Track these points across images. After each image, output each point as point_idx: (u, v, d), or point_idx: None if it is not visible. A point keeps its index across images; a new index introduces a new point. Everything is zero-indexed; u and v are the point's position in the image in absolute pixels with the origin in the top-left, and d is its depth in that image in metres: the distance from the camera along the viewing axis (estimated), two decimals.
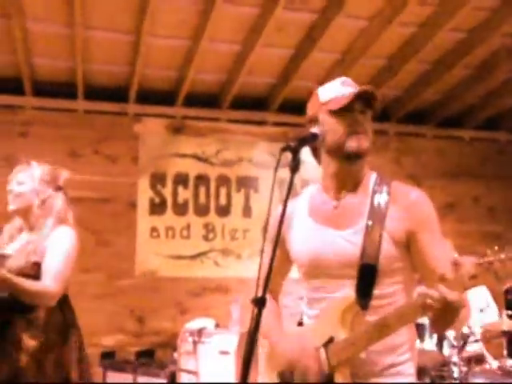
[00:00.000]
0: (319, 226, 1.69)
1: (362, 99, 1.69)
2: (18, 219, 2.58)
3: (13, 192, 2.54)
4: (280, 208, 1.65)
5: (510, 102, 5.62)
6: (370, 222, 1.61)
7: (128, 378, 4.17)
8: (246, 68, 4.76)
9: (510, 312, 3.80)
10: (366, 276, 1.59)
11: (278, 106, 5.43)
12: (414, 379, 1.66)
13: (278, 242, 1.54)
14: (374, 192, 1.68)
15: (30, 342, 2.34)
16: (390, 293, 1.61)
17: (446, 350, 3.65)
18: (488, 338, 3.86)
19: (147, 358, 4.64)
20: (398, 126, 5.90)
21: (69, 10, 4.04)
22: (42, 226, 2.45)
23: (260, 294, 1.44)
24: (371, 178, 1.74)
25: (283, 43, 4.62)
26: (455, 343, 3.56)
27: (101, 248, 5.13)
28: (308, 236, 1.70)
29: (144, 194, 5.30)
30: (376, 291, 1.60)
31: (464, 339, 3.59)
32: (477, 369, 3.59)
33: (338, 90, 1.72)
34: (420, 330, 3.63)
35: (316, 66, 4.92)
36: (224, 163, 5.51)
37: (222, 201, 5.47)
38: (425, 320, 3.66)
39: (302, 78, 5.03)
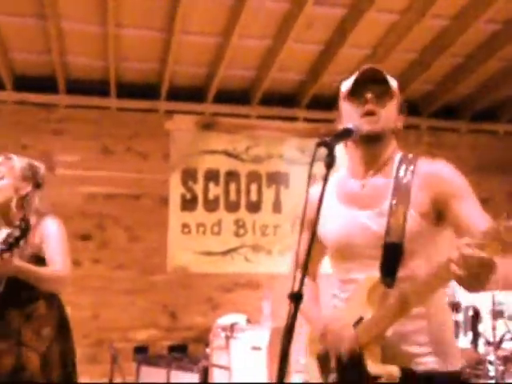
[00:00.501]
0: (346, 207, 1.71)
1: (373, 81, 1.69)
2: None
3: None
4: (311, 192, 1.69)
5: None
6: (394, 201, 1.61)
7: (161, 372, 4.22)
8: (276, 64, 4.75)
9: None
10: (391, 254, 1.60)
11: (309, 101, 5.41)
12: (453, 349, 1.64)
13: (315, 228, 1.54)
14: (398, 171, 1.67)
15: (31, 335, 2.36)
16: (415, 268, 1.59)
17: (482, 348, 3.59)
18: None
19: (180, 353, 4.69)
20: (430, 121, 5.82)
21: (101, 8, 4.10)
22: (21, 222, 2.34)
23: (296, 287, 1.42)
24: (396, 157, 1.73)
25: (313, 39, 4.60)
26: (491, 340, 3.50)
27: (133, 244, 5.20)
28: (335, 218, 1.72)
29: (175, 191, 5.35)
30: (403, 271, 1.59)
31: (500, 337, 3.53)
32: None
33: (354, 77, 1.72)
34: (454, 327, 3.58)
35: (346, 62, 4.88)
36: (254, 159, 5.51)
37: (253, 197, 5.49)
38: (458, 317, 3.62)
39: (333, 73, 4.99)
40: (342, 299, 1.75)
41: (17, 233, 2.22)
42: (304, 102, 5.41)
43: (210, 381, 4.17)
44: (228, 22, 4.31)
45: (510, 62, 4.96)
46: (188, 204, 5.36)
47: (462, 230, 1.53)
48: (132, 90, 5.23)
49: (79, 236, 5.08)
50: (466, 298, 3.78)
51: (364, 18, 4.18)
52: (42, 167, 2.66)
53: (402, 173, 1.66)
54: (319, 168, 1.56)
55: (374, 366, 1.55)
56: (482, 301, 3.83)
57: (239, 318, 4.49)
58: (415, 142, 5.82)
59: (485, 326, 3.62)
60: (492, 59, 4.81)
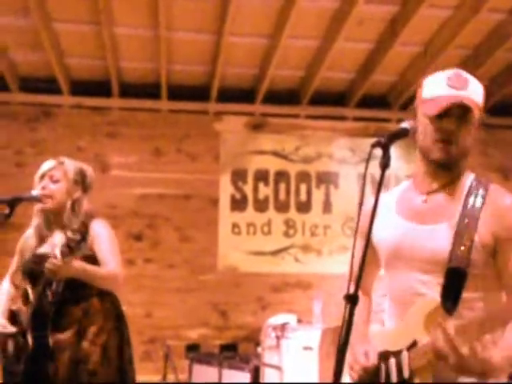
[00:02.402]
0: (404, 219, 1.65)
1: (461, 105, 1.57)
2: (37, 219, 2.60)
3: (46, 189, 2.53)
4: (369, 203, 1.61)
5: None
6: (462, 222, 1.55)
7: (213, 370, 4.26)
8: (325, 63, 4.73)
9: None
10: (454, 280, 1.53)
11: (358, 100, 5.36)
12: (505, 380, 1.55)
13: (369, 238, 1.51)
14: (469, 193, 1.60)
15: (90, 330, 2.46)
16: (475, 298, 1.56)
17: None
18: None
19: (231, 352, 4.72)
20: (485, 118, 5.64)
21: (152, 13, 4.18)
22: (74, 225, 2.49)
23: (352, 290, 1.42)
24: (468, 178, 1.66)
25: (364, 37, 4.55)
26: None
27: (184, 244, 5.28)
28: (391, 228, 1.66)
29: (225, 191, 5.40)
30: (464, 296, 1.53)
31: None
32: None
33: (440, 89, 1.59)
34: None
35: (397, 60, 4.82)
36: (304, 159, 5.50)
37: (302, 197, 5.48)
38: None
39: (383, 72, 4.93)
40: (391, 314, 1.70)
41: (78, 237, 2.35)
42: (354, 100, 5.36)
43: (261, 380, 4.19)
44: (277, 23, 4.32)
45: None
46: (238, 204, 5.40)
47: (503, 277, 1.55)
48: (182, 92, 5.31)
49: (132, 236, 5.20)
50: None
51: (416, 15, 4.11)
52: (90, 170, 2.75)
53: (472, 197, 1.59)
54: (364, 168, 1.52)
55: None
56: None
57: (290, 318, 4.49)
58: None
59: None
60: None
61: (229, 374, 4.25)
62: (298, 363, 4.02)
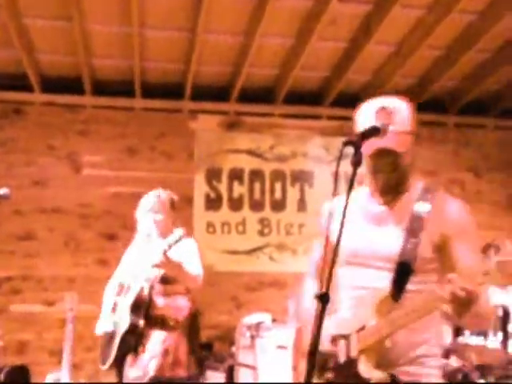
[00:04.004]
0: (362, 222, 1.81)
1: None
2: (141, 241, 3.31)
3: (155, 221, 3.24)
4: (327, 205, 1.91)
5: None
6: (411, 224, 1.77)
7: None
8: (300, 62, 4.73)
9: None
10: (402, 273, 1.75)
11: (333, 99, 5.38)
12: (438, 372, 1.80)
13: (339, 240, 1.61)
14: (419, 199, 1.81)
15: (171, 320, 3.07)
16: (423, 290, 1.72)
17: (511, 348, 3.53)
18: None
19: (205, 351, 4.70)
20: (457, 118, 5.74)
21: (125, 9, 4.13)
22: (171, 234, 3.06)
23: (324, 289, 1.50)
24: (418, 186, 1.86)
25: (337, 36, 4.57)
26: None
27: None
28: (352, 229, 1.79)
29: (200, 190, 5.37)
30: (410, 287, 1.74)
31: None
32: None
33: (371, 124, 1.75)
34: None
35: (371, 59, 4.85)
36: (278, 158, 5.51)
37: (277, 196, 5.48)
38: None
39: (357, 71, 4.96)
40: (347, 306, 1.87)
41: (176, 237, 2.91)
42: (328, 99, 5.38)
43: (235, 380, 4.18)
44: (251, 21, 4.31)
45: None
46: (212, 203, 5.38)
47: (453, 267, 1.71)
48: (157, 91, 5.26)
49: (105, 236, 5.14)
50: (495, 297, 3.71)
51: (389, 15, 4.14)
52: (175, 197, 3.45)
53: (421, 202, 1.80)
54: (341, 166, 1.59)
55: (366, 371, 1.69)
56: None
57: (265, 317, 4.49)
58: (442, 140, 5.76)
59: None
60: None
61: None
62: (272, 362, 4.02)
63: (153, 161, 5.32)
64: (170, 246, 2.88)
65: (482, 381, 3.38)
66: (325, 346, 1.79)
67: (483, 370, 3.54)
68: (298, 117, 5.52)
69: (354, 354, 1.73)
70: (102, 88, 5.18)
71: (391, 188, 1.83)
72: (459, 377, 3.44)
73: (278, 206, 5.45)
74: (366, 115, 1.83)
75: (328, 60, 4.95)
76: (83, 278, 4.96)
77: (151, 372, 2.96)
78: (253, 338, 4.13)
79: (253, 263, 5.35)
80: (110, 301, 3.22)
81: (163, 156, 5.34)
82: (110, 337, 3.08)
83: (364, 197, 1.87)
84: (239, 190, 5.43)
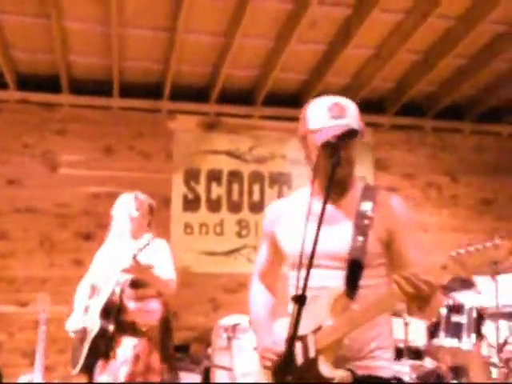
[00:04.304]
0: (309, 223, 1.79)
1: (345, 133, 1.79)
2: (113, 240, 3.33)
3: (131, 217, 3.26)
4: (272, 208, 2.03)
5: None
6: (358, 222, 1.81)
7: None
8: (279, 64, 4.74)
9: None
10: (354, 270, 1.78)
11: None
12: (390, 363, 1.87)
13: (317, 240, 1.64)
14: (362, 198, 1.86)
15: (143, 325, 3.04)
16: (375, 285, 1.79)
17: (485, 350, 3.57)
18: None
19: (182, 353, 4.67)
20: (434, 122, 5.81)
21: (105, 8, 4.09)
22: (141, 237, 3.08)
23: (300, 290, 1.52)
24: (359, 186, 1.92)
25: (317, 39, 4.58)
26: (494, 344, 3.48)
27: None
28: (298, 230, 1.80)
29: (178, 191, 5.34)
30: (362, 283, 1.78)
31: (504, 339, 3.51)
32: None
33: (323, 121, 1.81)
34: (457, 329, 3.57)
35: (350, 62, 4.87)
36: (257, 160, 5.50)
37: (256, 197, 5.48)
38: (462, 319, 3.60)
39: (336, 74, 4.99)
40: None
41: (145, 241, 2.92)
42: (307, 102, 5.37)
43: (211, 381, 4.16)
44: (231, 22, 4.30)
45: None
46: (190, 204, 5.36)
47: (401, 259, 1.81)
48: (135, 90, 5.22)
49: (82, 236, 5.08)
50: (469, 299, 3.76)
51: (368, 19, 4.17)
52: (153, 202, 3.45)
53: (365, 201, 1.86)
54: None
55: (328, 371, 1.71)
56: (486, 303, 3.81)
57: (241, 319, 4.47)
58: (419, 143, 5.82)
59: (488, 328, 3.60)
60: (496, 60, 4.79)
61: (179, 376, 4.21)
62: (248, 364, 4.01)
63: (130, 161, 5.27)
64: (139, 250, 2.88)
65: (455, 382, 3.41)
66: (274, 348, 1.83)
67: (457, 371, 3.58)
68: (278, 119, 5.53)
69: (312, 354, 1.73)
70: (80, 87, 5.13)
71: (338, 184, 1.83)
72: (433, 378, 3.48)
73: (257, 207, 5.45)
74: (317, 111, 1.86)
75: (307, 62, 4.96)
76: (58, 278, 4.89)
77: (122, 378, 2.92)
78: (229, 339, 4.12)
79: (230, 265, 5.33)
80: (82, 302, 3.20)
81: (141, 156, 5.30)
82: (81, 340, 3.06)
83: (308, 197, 1.87)
84: (217, 191, 5.41)
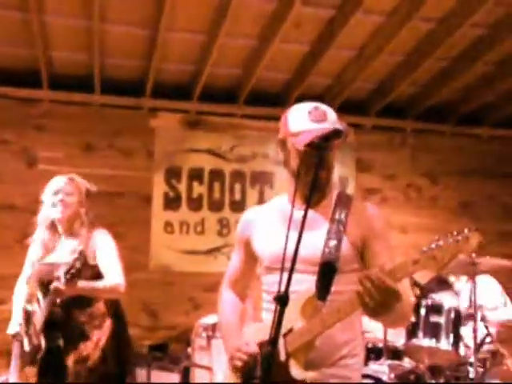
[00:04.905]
0: (284, 229, 1.78)
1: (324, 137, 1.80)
2: (43, 231, 2.98)
3: (63, 202, 2.91)
4: (246, 216, 2.06)
5: None
6: (332, 228, 1.83)
7: (142, 372, 4.17)
8: (262, 63, 4.73)
9: None
10: (326, 273, 1.79)
11: (294, 101, 5.37)
12: (358, 372, 1.88)
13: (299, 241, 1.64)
14: (337, 205, 1.89)
15: (93, 331, 2.82)
16: (347, 291, 1.75)
17: (462, 350, 3.61)
18: (504, 337, 3.82)
19: (161, 353, 4.64)
20: (415, 123, 5.85)
21: (86, 2, 4.04)
22: (80, 232, 2.90)
23: (283, 291, 1.52)
24: (334, 193, 1.94)
25: (300, 39, 4.58)
26: (471, 344, 3.52)
27: (115, 242, 5.12)
28: (273, 235, 1.85)
29: (159, 189, 5.31)
30: (334, 287, 1.79)
31: (480, 339, 3.55)
32: (493, 369, 3.55)
33: (305, 124, 1.82)
34: (436, 329, 3.60)
35: (333, 63, 4.89)
36: (239, 159, 5.49)
37: (237, 196, 5.47)
38: (441, 320, 3.63)
39: (319, 74, 5.00)
40: (272, 310, 1.83)
41: (78, 265, 2.61)
42: (290, 102, 5.39)
43: (191, 381, 4.14)
44: (215, 20, 4.28)
45: (495, 66, 5.00)
46: (171, 203, 5.33)
47: (373, 267, 1.77)
48: (116, 87, 5.17)
49: None
50: (447, 300, 3.80)
51: (351, 20, 4.18)
52: (91, 185, 3.12)
53: (339, 208, 1.88)
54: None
55: (299, 373, 1.70)
56: (464, 304, 3.85)
57: None
58: (400, 144, 5.86)
59: (466, 329, 3.64)
60: (477, 63, 4.84)
61: (158, 375, 4.19)
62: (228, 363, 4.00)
63: (111, 158, 5.23)
64: (72, 276, 2.62)
65: (433, 381, 3.44)
66: (245, 349, 1.82)
67: (434, 371, 3.61)
68: (260, 118, 5.52)
69: (282, 358, 1.73)
70: (60, 82, 5.06)
71: (317, 189, 1.83)
72: (412, 378, 3.50)
73: (238, 206, 5.44)
74: (297, 115, 1.87)
75: (291, 62, 4.96)
76: None
77: None
78: (209, 338, 4.11)
79: (211, 263, 5.32)
80: (20, 304, 2.99)
81: (122, 154, 5.25)
82: (30, 355, 2.85)
83: (284, 203, 1.90)
84: (199, 189, 5.39)
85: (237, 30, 4.36)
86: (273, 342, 1.47)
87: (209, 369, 4.05)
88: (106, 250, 2.92)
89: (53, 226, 2.98)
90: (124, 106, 5.27)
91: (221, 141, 5.47)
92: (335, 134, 1.77)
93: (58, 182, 2.99)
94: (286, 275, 1.76)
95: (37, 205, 5.00)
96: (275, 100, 5.47)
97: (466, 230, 1.54)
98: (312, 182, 1.66)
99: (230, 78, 5.19)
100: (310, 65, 4.87)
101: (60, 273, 2.65)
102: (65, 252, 2.87)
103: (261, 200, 5.47)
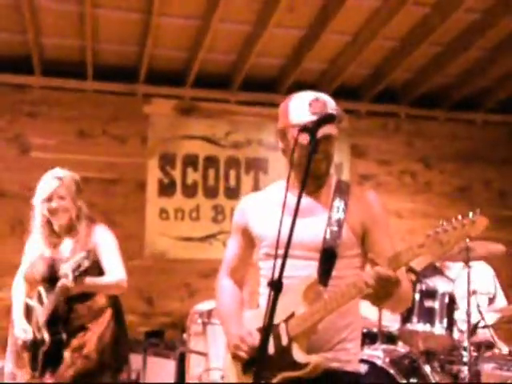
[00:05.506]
0: (286, 214, 1.77)
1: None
2: (41, 231, 2.98)
3: (60, 208, 2.91)
4: (243, 202, 2.08)
5: None
6: (332, 214, 1.86)
7: (137, 358, 4.19)
8: (256, 49, 4.70)
9: None
10: (327, 259, 1.82)
11: (289, 87, 5.36)
12: (357, 357, 1.92)
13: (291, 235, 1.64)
14: (336, 192, 1.92)
15: (92, 323, 2.88)
16: (348, 275, 1.80)
17: (456, 335, 3.63)
18: (498, 323, 3.85)
19: (157, 339, 4.66)
20: (409, 109, 5.84)
21: None
22: (78, 228, 2.92)
23: (276, 277, 1.52)
24: (333, 180, 1.97)
25: (295, 24, 4.55)
26: (464, 329, 3.54)
27: (110, 229, 5.11)
28: (274, 221, 1.82)
29: (153, 176, 5.29)
30: (335, 272, 1.81)
31: (474, 324, 3.58)
32: (487, 354, 3.58)
33: (306, 116, 1.82)
34: (430, 314, 3.62)
35: (327, 48, 4.86)
36: (233, 145, 5.48)
37: (232, 183, 5.46)
38: (435, 304, 3.65)
39: (314, 59, 4.97)
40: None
41: (86, 263, 2.68)
42: (284, 87, 5.37)
43: (187, 367, 4.16)
44: (208, 5, 4.24)
45: (489, 51, 4.98)
46: (166, 189, 5.31)
47: (374, 252, 1.82)
48: (110, 73, 5.13)
49: None
50: (442, 285, 3.81)
51: (345, 5, 4.15)
52: (77, 176, 3.06)
53: (338, 195, 1.91)
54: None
55: (303, 357, 1.73)
56: (458, 288, 3.87)
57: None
58: (394, 130, 5.85)
59: (460, 313, 3.67)
60: (471, 49, 4.82)
61: (154, 362, 4.20)
62: (223, 349, 4.01)
63: (104, 145, 5.20)
64: (81, 273, 2.69)
65: (428, 366, 3.47)
66: (249, 340, 1.82)
67: (428, 355, 3.63)
68: (254, 104, 5.50)
69: (284, 342, 1.75)
70: (53, 68, 5.01)
71: (316, 178, 1.89)
72: (406, 362, 3.53)
73: (232, 193, 5.43)
74: (299, 105, 1.88)
75: (285, 47, 4.93)
76: None
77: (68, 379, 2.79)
78: (204, 324, 4.12)
79: (206, 250, 5.32)
80: (20, 299, 3.01)
81: (116, 140, 5.23)
82: (31, 348, 2.88)
83: (283, 190, 1.87)
84: (193, 176, 5.38)
85: (230, 15, 4.33)
86: (266, 328, 1.47)
87: (204, 355, 4.07)
88: (107, 247, 2.94)
89: (50, 225, 2.99)
90: (117, 92, 5.23)
91: (215, 127, 5.45)
92: (329, 118, 1.78)
93: (49, 185, 2.92)
94: (290, 261, 1.76)
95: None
96: (269, 86, 5.45)
97: (470, 214, 1.57)
98: (306, 168, 1.68)
99: (224, 63, 5.16)
100: (304, 50, 4.84)
101: (67, 270, 2.69)
102: (65, 248, 2.92)
103: (256, 186, 5.46)
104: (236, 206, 2.18)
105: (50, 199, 2.90)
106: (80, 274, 2.69)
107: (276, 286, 1.49)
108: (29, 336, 2.87)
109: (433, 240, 1.58)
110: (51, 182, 2.91)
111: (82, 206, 2.98)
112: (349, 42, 4.80)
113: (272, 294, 1.51)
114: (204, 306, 4.40)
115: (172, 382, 4.16)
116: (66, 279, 2.69)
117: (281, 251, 1.67)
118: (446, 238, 1.56)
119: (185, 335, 4.43)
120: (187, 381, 4.15)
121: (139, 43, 4.73)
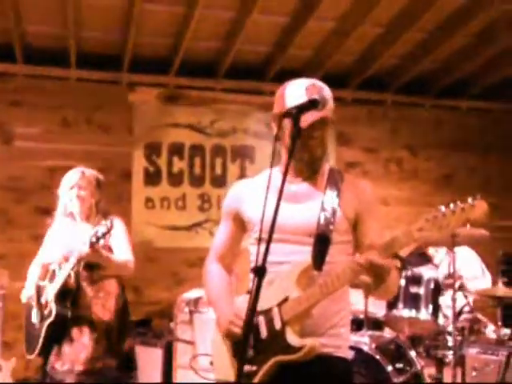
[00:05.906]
0: (278, 201, 1.77)
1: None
2: (63, 220, 3.22)
3: (80, 197, 3.16)
4: (235, 188, 2.05)
5: (508, 72, 5.56)
6: (326, 201, 1.87)
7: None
8: (241, 36, 4.66)
9: (505, 279, 3.83)
10: (321, 244, 1.82)
11: (274, 75, 5.35)
12: (347, 342, 1.94)
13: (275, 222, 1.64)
14: (329, 179, 1.93)
15: (99, 306, 3.04)
16: (340, 260, 1.80)
17: (441, 320, 3.67)
18: (482, 306, 3.89)
19: (144, 328, 4.65)
20: (395, 96, 5.85)
21: None
22: (94, 221, 3.12)
23: (260, 263, 1.52)
24: (326, 167, 1.98)
25: (280, 11, 4.52)
26: (449, 313, 3.58)
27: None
28: (267, 206, 1.79)
29: (138, 165, 5.26)
30: (328, 258, 1.81)
31: (459, 309, 3.61)
32: (471, 338, 3.62)
33: (303, 100, 1.81)
34: (415, 300, 3.65)
35: (313, 34, 4.83)
36: (219, 133, 5.45)
37: (218, 171, 5.44)
38: (420, 290, 3.68)
39: (299, 46, 4.94)
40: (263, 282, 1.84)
41: (104, 229, 2.83)
42: (270, 75, 5.35)
43: (174, 356, 4.16)
44: None
45: (474, 38, 4.99)
46: (152, 178, 5.29)
47: (366, 240, 1.87)
48: (93, 61, 5.07)
49: (40, 210, 4.94)
50: (427, 271, 3.85)
51: None
52: (100, 176, 3.33)
53: (332, 181, 1.92)
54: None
55: (297, 340, 1.72)
56: (443, 274, 3.91)
57: (204, 293, 4.47)
58: (380, 117, 5.86)
59: (445, 299, 3.70)
60: (456, 35, 4.82)
61: (141, 350, 4.20)
62: (210, 337, 4.02)
63: (89, 134, 5.16)
64: (97, 239, 2.84)
65: (413, 351, 3.50)
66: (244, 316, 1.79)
67: (414, 340, 3.67)
68: (240, 92, 5.47)
69: (278, 326, 1.75)
70: (35, 56, 4.95)
71: (311, 164, 1.90)
72: (392, 347, 3.56)
73: (219, 181, 5.42)
74: (295, 91, 1.88)
75: (270, 34, 4.90)
76: (16, 254, 4.77)
77: (80, 365, 2.92)
78: (191, 313, 4.11)
79: (192, 239, 5.31)
80: (34, 281, 3.16)
81: (100, 129, 5.18)
82: (36, 325, 3.02)
83: (278, 176, 1.87)
84: (179, 165, 5.35)
85: (215, 1, 4.29)
86: (249, 315, 1.47)
87: (191, 343, 4.07)
88: (118, 234, 3.13)
89: (71, 216, 3.22)
90: (101, 80, 5.18)
91: (200, 115, 5.42)
92: (312, 103, 1.77)
93: (72, 176, 3.22)
94: (276, 245, 1.78)
95: (13, 182, 4.96)
96: (255, 73, 5.42)
97: (469, 199, 1.57)
98: (289, 152, 1.69)
99: (209, 51, 5.12)
100: (289, 37, 4.81)
101: (85, 239, 2.85)
102: (81, 236, 3.03)
103: (242, 174, 5.45)
104: (222, 195, 2.17)
105: (72, 188, 3.17)
106: (97, 239, 2.83)
107: (259, 271, 1.48)
108: (29, 293, 3.07)
109: (432, 224, 1.59)
110: (75, 175, 3.22)
111: (101, 201, 3.24)
112: (334, 28, 4.78)
113: (256, 279, 1.50)
114: (191, 294, 4.39)
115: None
116: (84, 246, 2.85)
117: (276, 236, 1.67)
118: (445, 222, 1.57)
119: (172, 324, 4.43)
120: (174, 369, 4.16)
121: (123, 31, 4.67)
